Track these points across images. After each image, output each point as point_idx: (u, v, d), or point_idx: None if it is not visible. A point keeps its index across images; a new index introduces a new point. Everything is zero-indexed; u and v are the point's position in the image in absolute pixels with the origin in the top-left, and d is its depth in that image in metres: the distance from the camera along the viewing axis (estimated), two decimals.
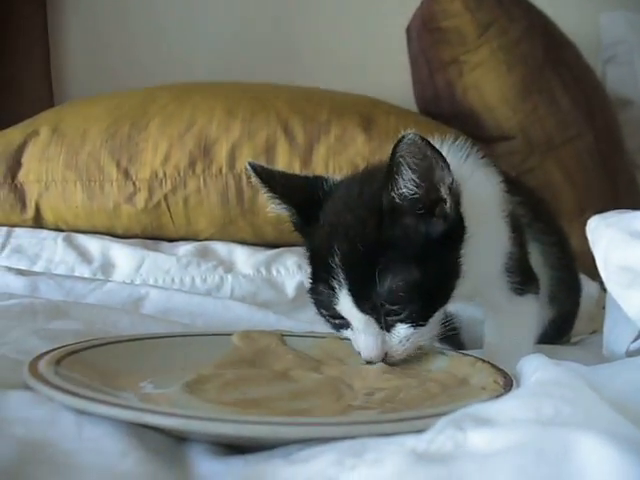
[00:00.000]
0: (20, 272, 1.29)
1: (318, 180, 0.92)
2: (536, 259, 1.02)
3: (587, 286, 1.29)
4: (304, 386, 0.76)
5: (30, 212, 1.56)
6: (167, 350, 0.83)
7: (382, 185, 0.81)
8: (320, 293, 0.85)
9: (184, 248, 1.49)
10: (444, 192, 0.81)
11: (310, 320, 1.21)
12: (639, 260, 0.71)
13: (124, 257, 1.44)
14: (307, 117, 1.59)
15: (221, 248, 1.50)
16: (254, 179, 0.90)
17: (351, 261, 0.81)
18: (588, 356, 0.98)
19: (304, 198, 0.90)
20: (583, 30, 2.13)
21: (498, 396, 0.65)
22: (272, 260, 1.46)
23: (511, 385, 0.70)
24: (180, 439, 0.60)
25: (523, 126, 1.80)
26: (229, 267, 1.44)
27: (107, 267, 1.42)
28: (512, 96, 1.81)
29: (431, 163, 0.79)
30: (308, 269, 0.89)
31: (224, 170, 1.53)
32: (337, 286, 0.81)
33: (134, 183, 1.53)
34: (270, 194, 0.90)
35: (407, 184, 0.80)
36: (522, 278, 0.96)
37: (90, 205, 1.54)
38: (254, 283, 1.41)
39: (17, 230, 1.53)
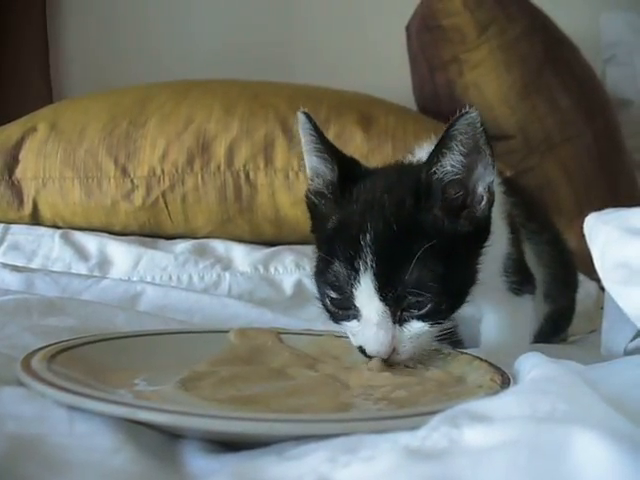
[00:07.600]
0: (16, 268, 1.29)
1: (354, 160, 0.88)
2: (530, 258, 1.02)
3: (585, 285, 1.29)
4: (300, 384, 0.76)
5: (27, 209, 1.56)
6: (162, 347, 0.82)
7: (424, 165, 0.79)
8: (336, 274, 0.78)
9: (181, 246, 1.49)
10: (482, 190, 0.79)
11: (307, 318, 1.21)
12: (636, 257, 0.70)
13: (121, 254, 1.44)
14: None
15: (219, 246, 1.50)
16: (306, 125, 0.82)
17: (383, 242, 0.75)
18: (586, 355, 0.97)
19: (344, 163, 0.84)
20: (583, 30, 2.12)
21: (495, 394, 0.64)
22: (270, 258, 1.46)
23: (508, 383, 0.70)
24: (173, 436, 0.59)
25: (522, 125, 1.79)
26: (227, 265, 1.44)
27: (104, 264, 1.42)
28: (511, 95, 1.80)
29: (480, 153, 0.77)
30: (323, 246, 0.82)
31: (222, 168, 1.53)
32: (362, 268, 0.75)
33: (132, 180, 1.53)
34: (318, 144, 0.83)
35: (453, 162, 0.77)
36: (520, 278, 0.96)
37: (87, 202, 1.54)
38: (252, 281, 1.41)
39: (14, 227, 1.53)
